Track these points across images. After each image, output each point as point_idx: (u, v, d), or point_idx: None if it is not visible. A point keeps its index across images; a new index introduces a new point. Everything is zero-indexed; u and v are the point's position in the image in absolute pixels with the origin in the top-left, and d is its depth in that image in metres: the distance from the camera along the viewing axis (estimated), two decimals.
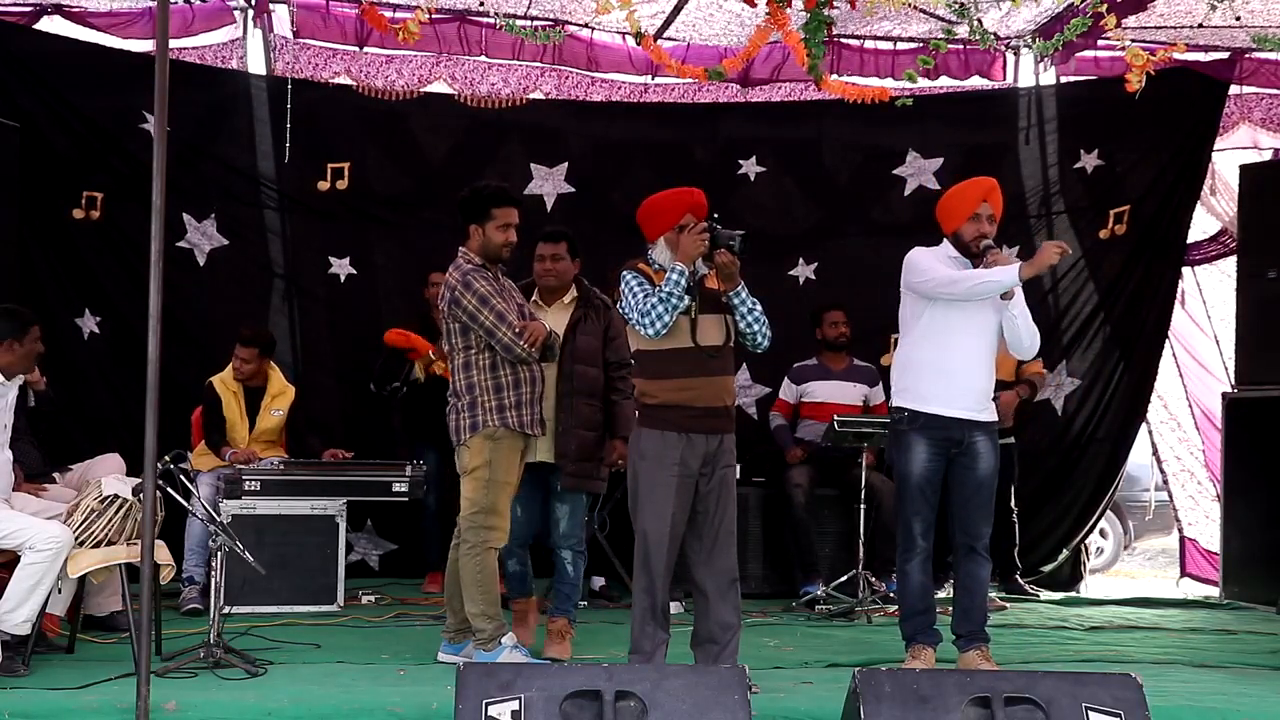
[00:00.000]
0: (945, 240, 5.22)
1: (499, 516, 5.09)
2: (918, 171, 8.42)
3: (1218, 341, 8.55)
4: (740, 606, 4.92)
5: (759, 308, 4.87)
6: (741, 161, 8.41)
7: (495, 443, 5.06)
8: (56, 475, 6.08)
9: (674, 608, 6.48)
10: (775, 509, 7.46)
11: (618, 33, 8.11)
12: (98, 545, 5.09)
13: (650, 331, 4.73)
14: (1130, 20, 6.92)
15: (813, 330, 7.69)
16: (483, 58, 8.19)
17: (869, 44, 8.29)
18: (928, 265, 5.13)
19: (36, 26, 7.69)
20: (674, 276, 4.73)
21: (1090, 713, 3.73)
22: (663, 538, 4.77)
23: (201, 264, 7.95)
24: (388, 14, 7.54)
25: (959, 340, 5.08)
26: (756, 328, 4.86)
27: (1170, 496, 8.99)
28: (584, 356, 5.50)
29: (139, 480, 4.65)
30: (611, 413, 5.62)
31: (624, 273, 4.89)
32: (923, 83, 8.13)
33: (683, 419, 4.78)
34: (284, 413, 7.06)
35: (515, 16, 7.67)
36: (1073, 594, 8.24)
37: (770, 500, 7.47)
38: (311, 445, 7.17)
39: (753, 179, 8.43)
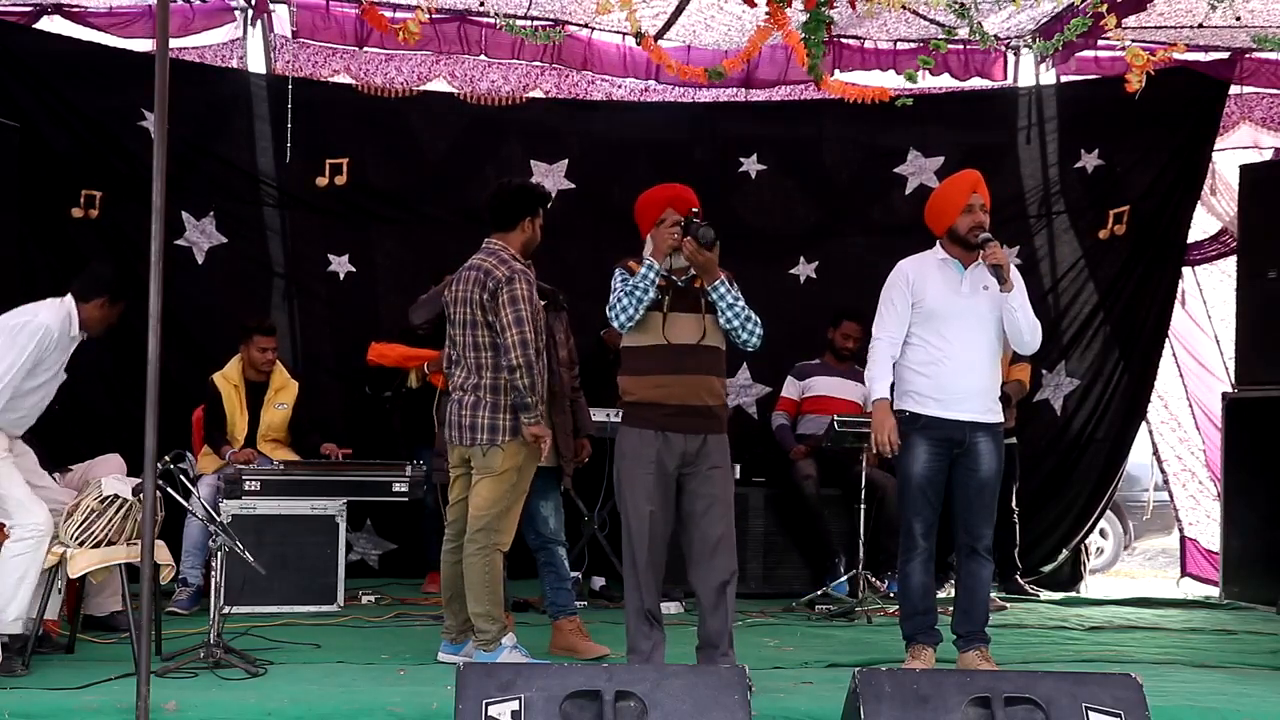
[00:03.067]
0: (938, 242, 5.21)
1: (512, 520, 5.11)
2: (918, 170, 8.42)
3: (1218, 341, 8.55)
4: (734, 609, 4.89)
5: (741, 304, 4.84)
6: (743, 159, 8.41)
7: (528, 449, 5.07)
8: (57, 475, 6.07)
9: (675, 608, 6.51)
10: (778, 508, 7.47)
11: (618, 33, 8.11)
12: (98, 545, 5.08)
13: (616, 323, 4.82)
14: (1130, 20, 6.93)
15: (825, 329, 7.69)
16: (483, 57, 8.19)
17: (869, 43, 8.29)
18: (884, 310, 5.19)
19: (36, 26, 7.69)
20: (643, 270, 4.78)
21: (1090, 713, 3.73)
22: (642, 535, 4.77)
23: (200, 262, 7.95)
24: (388, 14, 7.54)
25: (957, 342, 5.07)
26: (736, 324, 4.83)
27: (1171, 496, 9.00)
28: (562, 360, 5.56)
29: (139, 480, 4.64)
30: (575, 412, 5.76)
31: (615, 269, 4.91)
32: (923, 82, 8.13)
33: (657, 417, 4.79)
34: (289, 407, 7.05)
35: (515, 17, 7.67)
36: (1073, 594, 8.25)
37: (773, 500, 7.47)
38: (314, 443, 7.16)
39: (754, 176, 8.43)
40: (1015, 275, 5.13)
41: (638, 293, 4.75)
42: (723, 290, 4.83)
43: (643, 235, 4.97)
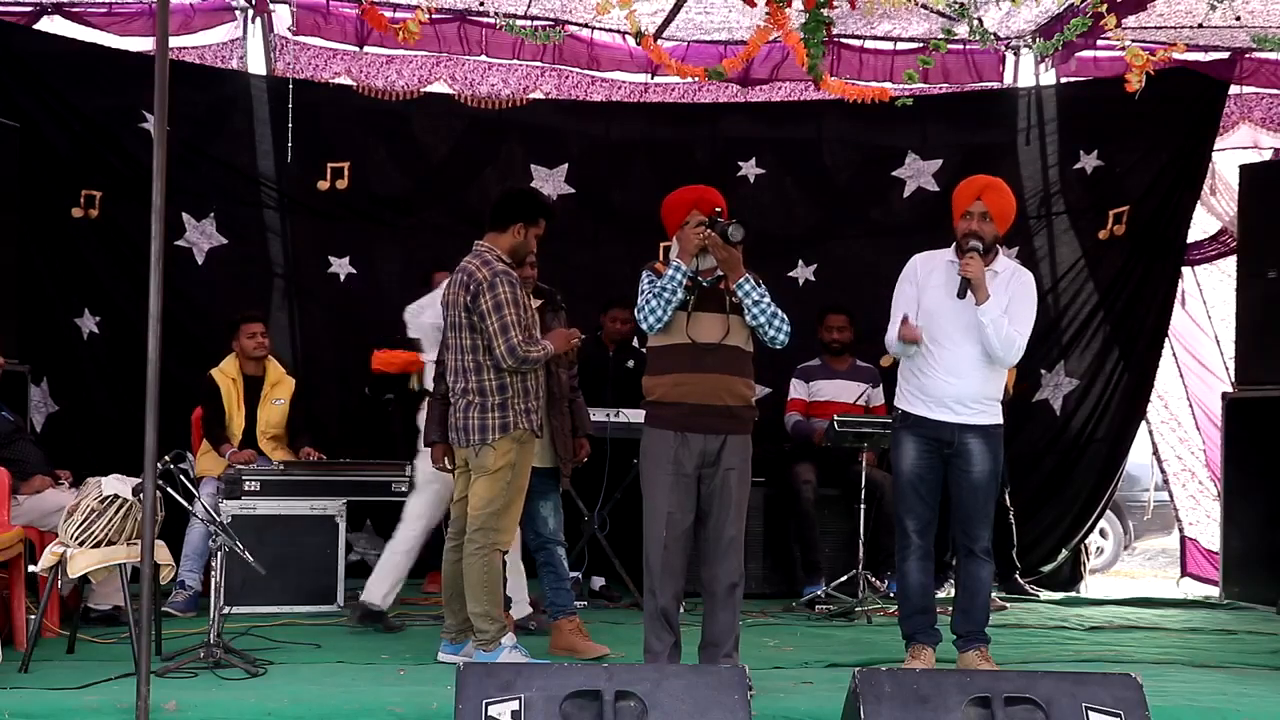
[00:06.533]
0: (954, 242, 5.21)
1: (511, 519, 5.11)
2: (917, 173, 8.41)
3: (1218, 341, 8.55)
4: (740, 611, 4.91)
5: (768, 300, 4.86)
6: (741, 163, 8.41)
7: (522, 446, 5.09)
8: (64, 482, 6.09)
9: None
10: (777, 509, 7.46)
11: (618, 32, 8.11)
12: (98, 545, 5.08)
13: (645, 326, 4.82)
14: (1130, 20, 6.93)
15: (815, 330, 7.69)
16: (483, 58, 8.19)
17: (869, 44, 8.30)
18: (896, 299, 5.20)
19: (36, 26, 7.69)
20: (670, 271, 4.79)
21: (1090, 713, 3.73)
22: (659, 537, 4.78)
23: (200, 262, 7.95)
24: (388, 14, 7.54)
25: (947, 343, 5.06)
26: (763, 319, 4.84)
27: (1171, 496, 9.00)
28: (560, 360, 5.54)
29: (139, 480, 4.65)
30: (573, 412, 5.73)
31: (643, 273, 4.93)
32: (923, 83, 8.14)
33: (676, 416, 4.79)
34: (285, 402, 7.04)
35: (515, 16, 7.68)
36: (1073, 594, 8.25)
37: (772, 500, 7.46)
38: (302, 445, 7.14)
39: (752, 180, 8.42)
40: (1025, 287, 5.13)
41: (665, 294, 4.77)
42: (748, 287, 4.84)
43: (670, 237, 5.02)
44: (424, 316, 6.09)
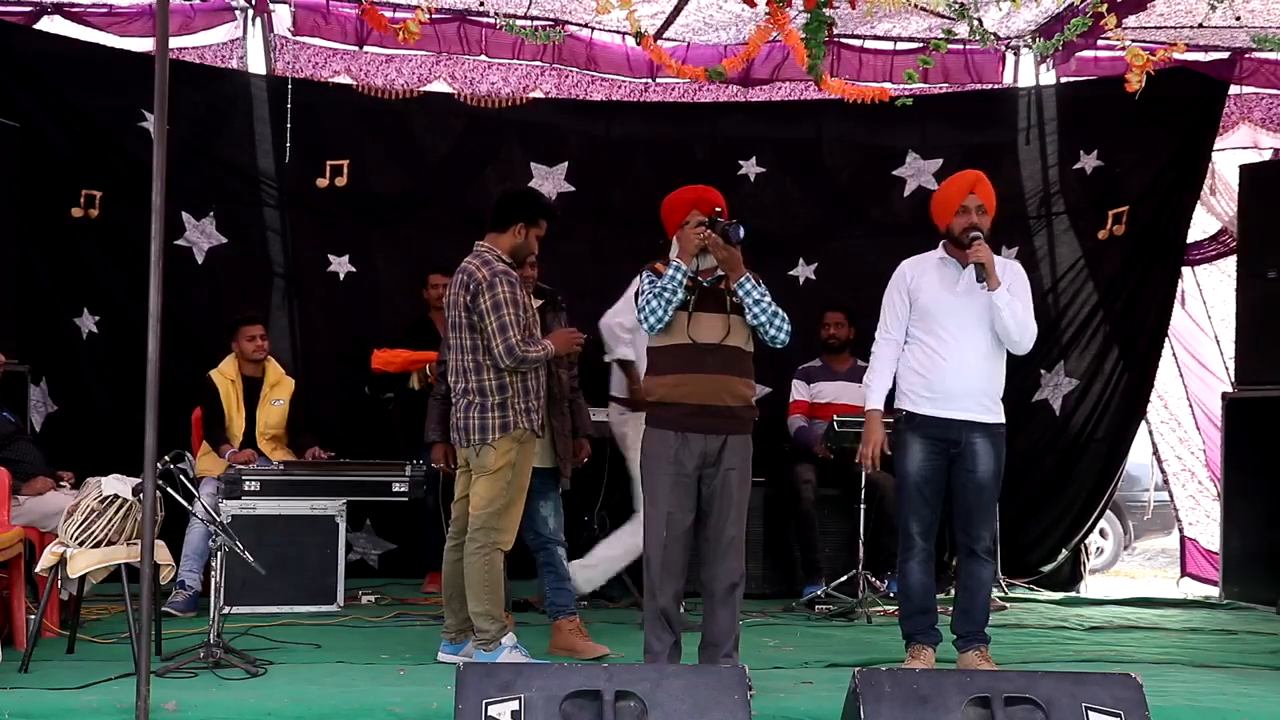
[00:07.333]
0: (941, 241, 5.21)
1: (511, 518, 5.11)
2: (917, 173, 8.41)
3: (1218, 341, 8.56)
4: (739, 611, 4.91)
5: (768, 300, 4.86)
6: (741, 162, 8.41)
7: (522, 445, 5.09)
8: (65, 484, 6.09)
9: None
10: (777, 509, 7.46)
11: (618, 33, 8.11)
12: (98, 545, 5.08)
13: (646, 326, 4.82)
14: (1130, 20, 6.93)
15: (816, 330, 7.69)
16: (482, 57, 8.19)
17: (869, 44, 8.30)
18: (884, 311, 5.23)
19: (36, 26, 7.69)
20: (669, 271, 4.80)
21: (1090, 713, 3.73)
22: (659, 538, 4.78)
23: (200, 262, 7.94)
24: (388, 14, 7.54)
25: (951, 341, 5.06)
26: (764, 319, 4.85)
27: (1171, 496, 9.00)
28: (561, 360, 5.54)
29: (139, 480, 4.64)
30: (573, 412, 5.74)
31: (642, 272, 4.93)
32: (923, 83, 8.13)
33: (677, 416, 4.80)
34: (285, 403, 7.04)
35: (515, 16, 7.68)
36: (1073, 594, 8.25)
37: (771, 500, 7.46)
38: (306, 445, 7.15)
39: (752, 179, 8.43)
40: (1019, 276, 5.13)
41: (665, 294, 4.77)
42: (749, 286, 4.84)
43: (669, 237, 5.02)
44: (619, 317, 6.19)
